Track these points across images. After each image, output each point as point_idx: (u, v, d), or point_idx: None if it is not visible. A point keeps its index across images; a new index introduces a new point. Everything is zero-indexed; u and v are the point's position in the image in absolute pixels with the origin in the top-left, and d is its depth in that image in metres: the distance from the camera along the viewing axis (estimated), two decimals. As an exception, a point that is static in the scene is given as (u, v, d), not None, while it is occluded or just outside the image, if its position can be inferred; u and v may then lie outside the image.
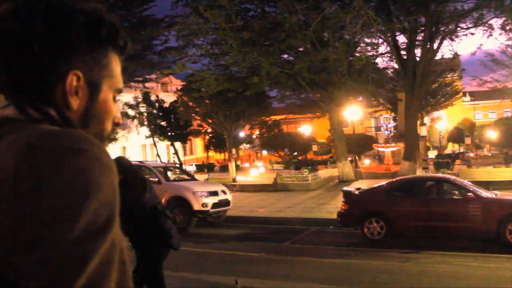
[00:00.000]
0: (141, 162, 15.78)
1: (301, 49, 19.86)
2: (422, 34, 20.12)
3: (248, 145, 49.48)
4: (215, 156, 54.25)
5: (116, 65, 0.95)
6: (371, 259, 9.16)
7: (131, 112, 41.38)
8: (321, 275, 8.10)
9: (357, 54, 20.09)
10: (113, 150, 43.42)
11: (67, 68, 0.84)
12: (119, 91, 0.97)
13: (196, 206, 12.71)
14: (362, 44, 19.58)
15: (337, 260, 9.15)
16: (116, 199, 0.74)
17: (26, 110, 0.81)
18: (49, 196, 0.67)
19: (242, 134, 44.76)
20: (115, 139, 39.98)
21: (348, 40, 18.52)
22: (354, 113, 24.81)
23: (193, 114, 30.73)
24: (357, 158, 26.08)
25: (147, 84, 35.01)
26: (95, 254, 0.67)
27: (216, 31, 18.74)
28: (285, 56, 21.22)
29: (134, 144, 48.54)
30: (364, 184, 15.69)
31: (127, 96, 39.32)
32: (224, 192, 13.84)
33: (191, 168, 41.01)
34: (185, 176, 15.51)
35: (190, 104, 28.73)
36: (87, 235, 0.67)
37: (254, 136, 47.93)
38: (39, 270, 0.64)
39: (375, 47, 20.33)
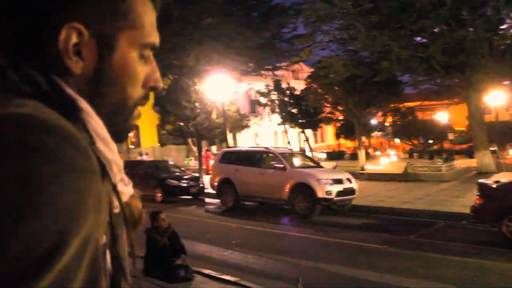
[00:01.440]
0: (267, 148, 16.08)
1: (435, 30, 18.50)
2: None
3: (380, 133, 47.85)
4: (347, 144, 53.41)
5: (143, 13, 0.74)
6: (509, 262, 8.26)
7: (262, 100, 42.45)
8: (448, 274, 7.52)
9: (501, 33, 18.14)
10: (246, 137, 45.02)
11: (61, 20, 0.64)
12: (151, 46, 0.76)
13: (320, 194, 12.61)
14: (508, 21, 17.61)
15: (468, 260, 8.40)
16: (82, 205, 0.52)
17: (8, 77, 0.61)
18: None
19: (374, 121, 43.44)
20: (247, 126, 41.36)
21: (490, 16, 16.75)
22: (497, 98, 22.67)
23: (322, 101, 30.49)
24: (497, 148, 23.77)
25: (279, 72, 35.55)
26: None
27: (344, 15, 18.26)
28: (418, 38, 19.97)
29: (266, 131, 49.73)
30: (506, 177, 14.24)
31: (259, 84, 40.36)
32: (349, 180, 13.54)
33: (321, 156, 40.94)
34: (311, 163, 15.46)
35: (319, 91, 28.51)
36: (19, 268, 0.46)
37: (386, 124, 46.16)
38: None
39: (524, 22, 18.10)
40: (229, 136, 42.06)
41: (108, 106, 0.72)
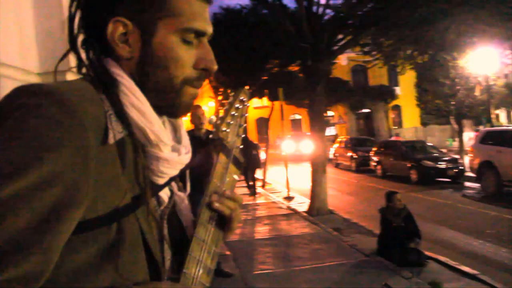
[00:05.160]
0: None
1: None
2: None
3: None
4: None
5: (181, 4, 0.85)
6: None
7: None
8: None
9: None
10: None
11: (108, 16, 0.81)
12: (194, 31, 0.86)
13: None
14: None
15: None
16: (50, 149, 0.66)
17: (81, 63, 0.85)
18: None
19: None
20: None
21: None
22: None
23: None
24: None
25: None
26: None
27: None
28: None
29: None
30: None
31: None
32: None
33: None
34: None
35: None
36: None
37: None
38: None
39: None
40: (501, 115, 37.74)
41: (154, 84, 0.85)
